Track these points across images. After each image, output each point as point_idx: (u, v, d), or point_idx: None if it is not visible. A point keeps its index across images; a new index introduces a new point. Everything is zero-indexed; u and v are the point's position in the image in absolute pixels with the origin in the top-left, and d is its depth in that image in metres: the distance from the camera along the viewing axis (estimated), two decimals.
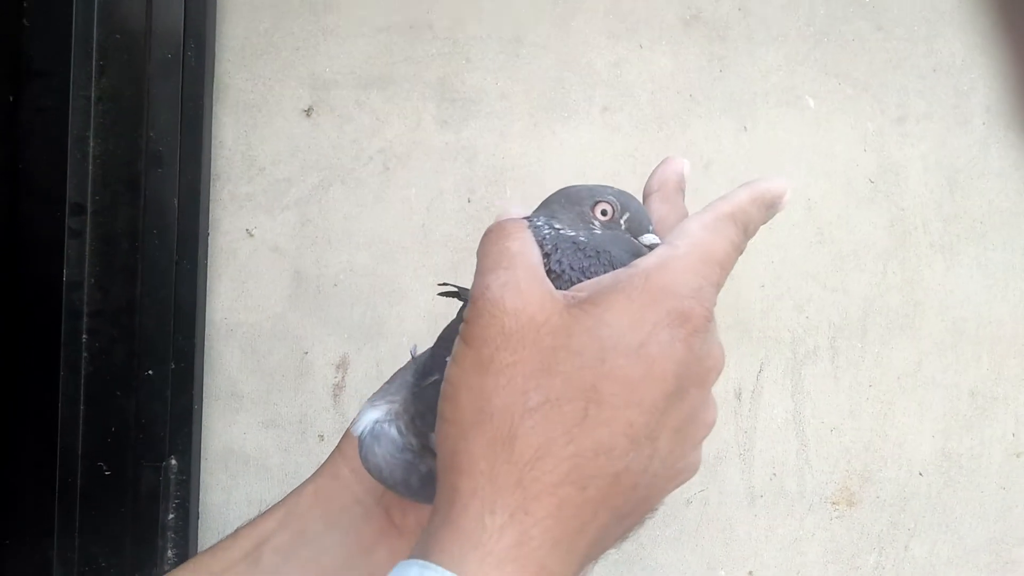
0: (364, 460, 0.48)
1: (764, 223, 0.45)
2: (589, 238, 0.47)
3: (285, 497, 0.55)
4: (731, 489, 1.09)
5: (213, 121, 1.04)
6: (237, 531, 0.55)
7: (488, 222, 1.05)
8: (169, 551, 1.02)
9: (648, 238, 0.48)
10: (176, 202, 1.02)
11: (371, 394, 0.52)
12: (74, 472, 1.02)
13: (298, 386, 1.06)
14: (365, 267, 1.05)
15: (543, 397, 0.38)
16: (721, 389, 1.07)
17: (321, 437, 1.06)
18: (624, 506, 0.40)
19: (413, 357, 0.53)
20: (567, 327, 0.40)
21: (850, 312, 1.06)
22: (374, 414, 0.49)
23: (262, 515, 0.55)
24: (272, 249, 1.06)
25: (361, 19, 1.05)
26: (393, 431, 0.48)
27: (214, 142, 1.04)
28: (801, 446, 1.09)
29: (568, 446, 0.38)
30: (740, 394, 1.07)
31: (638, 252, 0.47)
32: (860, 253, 1.05)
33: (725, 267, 0.43)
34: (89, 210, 1.02)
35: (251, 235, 1.06)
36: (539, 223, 0.48)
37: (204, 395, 1.05)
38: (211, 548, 0.55)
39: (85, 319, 1.02)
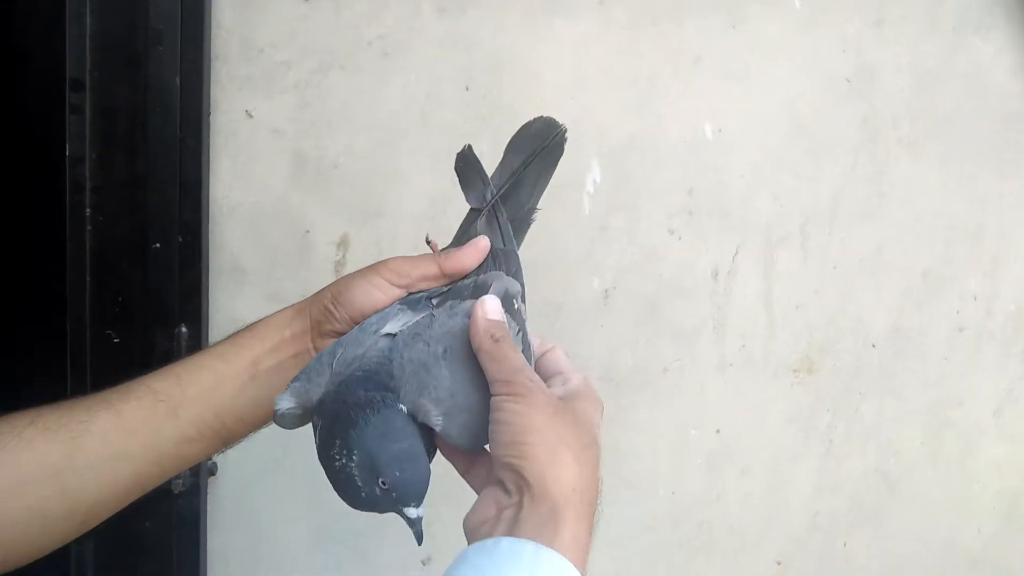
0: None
1: None
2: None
3: None
4: (704, 359, 1.19)
5: (212, 1, 1.04)
6: None
7: (486, 110, 1.07)
8: None
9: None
10: (178, 80, 1.03)
11: None
12: (83, 341, 1.07)
13: (300, 263, 1.11)
14: (364, 150, 1.08)
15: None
16: (699, 270, 1.15)
17: None
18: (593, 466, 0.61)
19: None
20: (563, 416, 0.60)
21: (821, 201, 1.14)
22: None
23: None
24: (272, 131, 1.08)
25: None
26: None
27: (212, 23, 1.04)
28: (769, 321, 1.18)
29: (578, 481, 0.58)
30: (716, 275, 1.15)
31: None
32: (834, 147, 1.11)
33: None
34: (88, 86, 1.02)
35: (250, 116, 1.08)
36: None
37: (209, 269, 1.09)
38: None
39: (88, 194, 1.04)
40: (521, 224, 0.72)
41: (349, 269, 1.12)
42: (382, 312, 0.67)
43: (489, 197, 0.70)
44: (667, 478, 1.27)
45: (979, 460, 1.30)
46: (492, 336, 0.61)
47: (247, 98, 1.07)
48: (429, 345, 0.63)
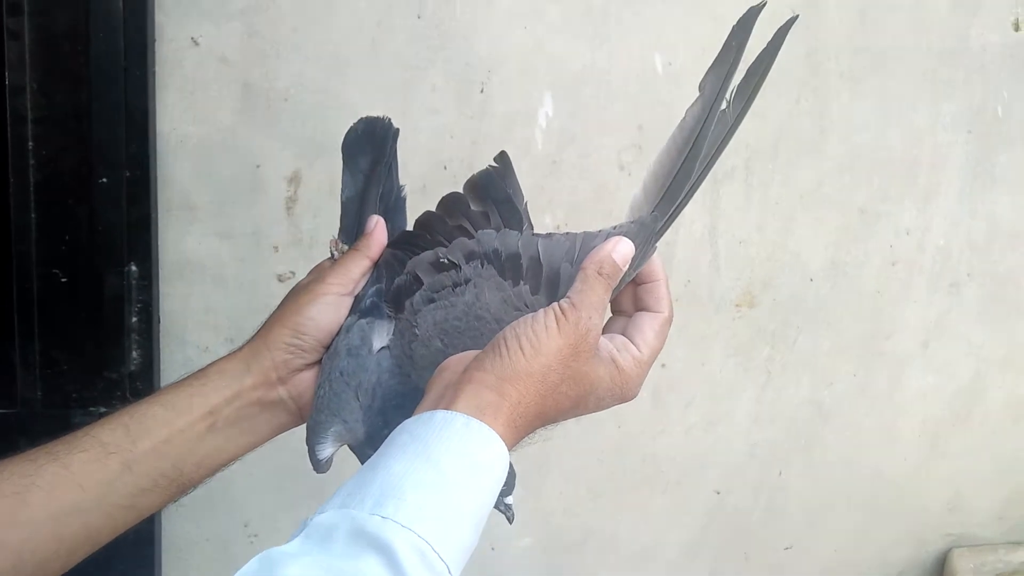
0: None
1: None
2: None
3: None
4: None
5: None
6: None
7: (438, 40, 1.06)
8: (134, 352, 1.07)
9: None
10: (121, 3, 1.00)
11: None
12: (30, 282, 1.04)
13: (251, 199, 1.09)
14: (315, 82, 1.07)
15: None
16: None
17: (275, 248, 1.10)
18: (555, 419, 0.64)
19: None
20: (576, 364, 0.63)
21: (765, 136, 1.17)
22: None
23: None
24: (219, 59, 1.06)
25: None
26: None
27: None
28: (713, 257, 1.21)
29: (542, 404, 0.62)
30: None
31: None
32: (778, 81, 1.14)
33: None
34: (26, 10, 0.99)
35: (197, 44, 1.05)
36: None
37: (158, 205, 1.07)
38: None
39: (30, 125, 1.01)
40: (400, 206, 0.78)
41: (301, 206, 1.11)
42: (348, 327, 0.70)
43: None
44: (615, 413, 1.28)
45: (906, 391, 1.35)
46: (601, 269, 0.66)
47: (193, 25, 1.04)
48: (428, 346, 0.67)
